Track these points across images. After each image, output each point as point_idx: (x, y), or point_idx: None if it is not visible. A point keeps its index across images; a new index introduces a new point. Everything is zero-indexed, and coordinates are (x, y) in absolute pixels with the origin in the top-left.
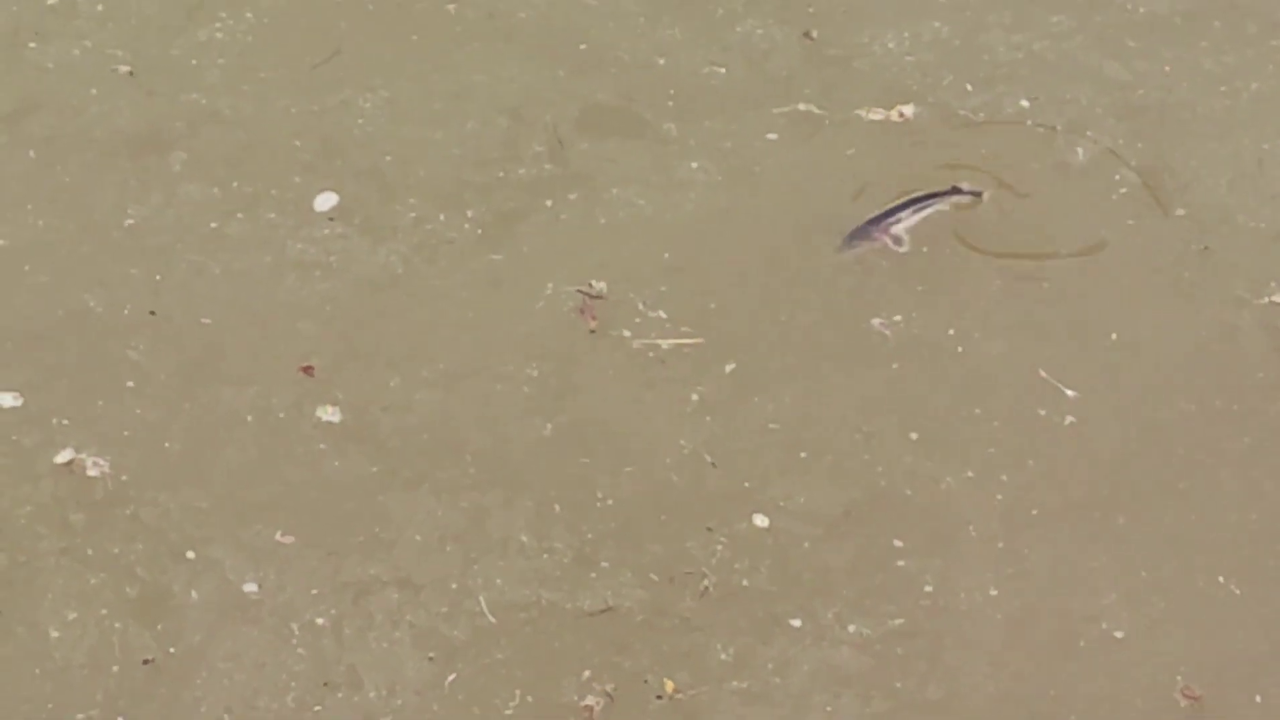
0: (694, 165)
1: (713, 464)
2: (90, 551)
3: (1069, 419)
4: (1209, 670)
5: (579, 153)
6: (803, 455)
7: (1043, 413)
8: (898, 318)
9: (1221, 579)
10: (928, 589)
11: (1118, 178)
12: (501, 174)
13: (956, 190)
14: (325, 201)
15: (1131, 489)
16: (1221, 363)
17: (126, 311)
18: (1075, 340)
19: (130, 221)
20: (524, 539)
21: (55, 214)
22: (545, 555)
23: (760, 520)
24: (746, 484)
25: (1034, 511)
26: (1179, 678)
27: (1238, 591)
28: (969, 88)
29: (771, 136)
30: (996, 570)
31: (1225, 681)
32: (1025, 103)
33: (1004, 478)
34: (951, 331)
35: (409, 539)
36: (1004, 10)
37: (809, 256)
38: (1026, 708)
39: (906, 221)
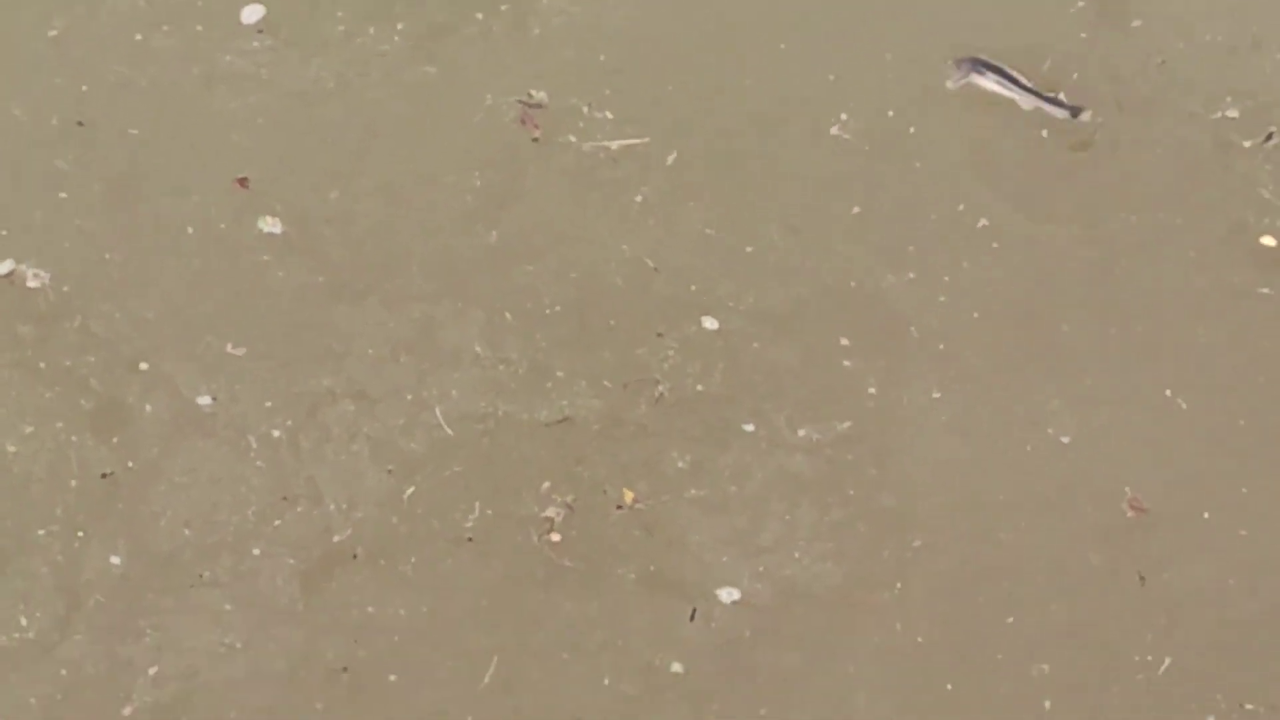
0: None
1: (655, 269)
2: (42, 365)
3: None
4: (1156, 483)
5: None
6: (749, 251)
7: (985, 222)
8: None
9: (1169, 393)
10: (871, 390)
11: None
12: None
13: (1060, 103)
14: (252, 14)
15: (1075, 299)
16: (1173, 175)
17: (54, 122)
18: (1023, 150)
19: (53, 32)
20: (477, 349)
21: None
22: (500, 366)
23: (709, 323)
24: (693, 287)
25: (975, 314)
26: (1126, 489)
27: (1184, 406)
28: None
29: None
30: (940, 372)
31: (1172, 496)
32: None
33: (945, 279)
34: (912, 129)
35: (361, 350)
36: None
37: (756, 49)
38: (977, 514)
39: (994, 87)
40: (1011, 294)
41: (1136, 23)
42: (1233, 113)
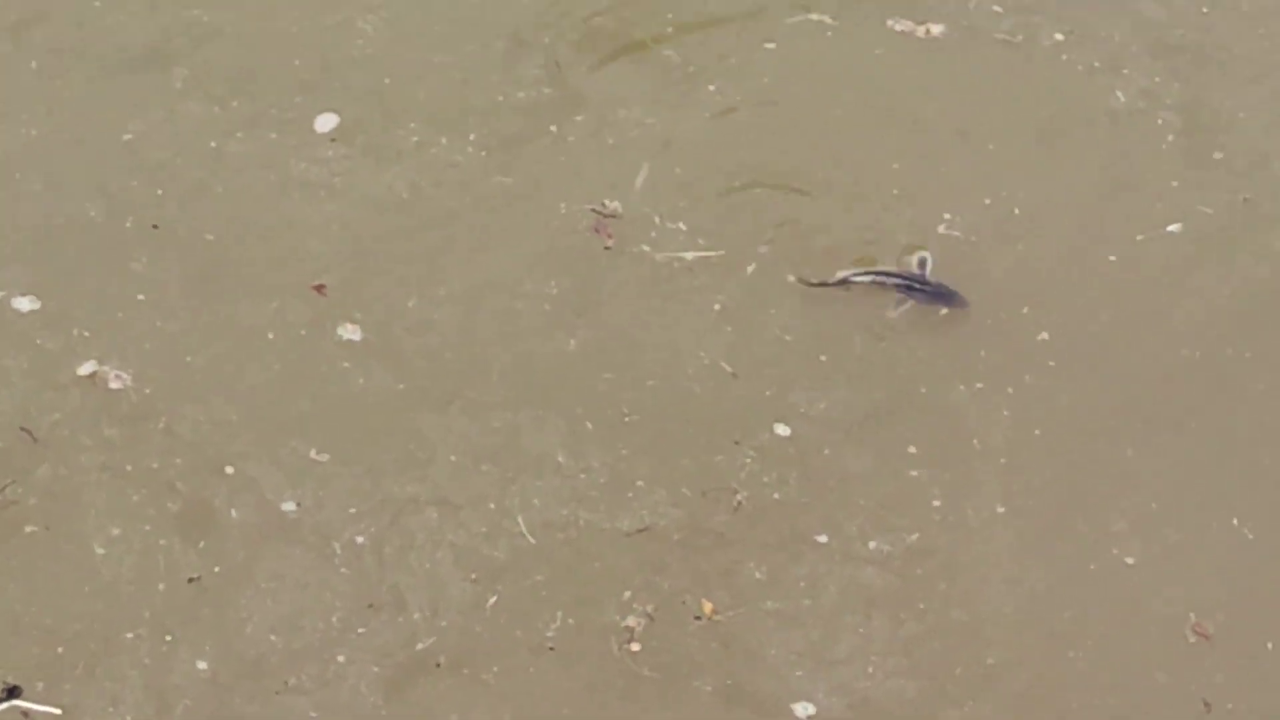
0: (711, 88)
1: (733, 374)
2: (129, 467)
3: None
4: (1220, 610)
5: (577, 75)
6: (823, 359)
7: (1045, 336)
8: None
9: (1235, 521)
10: (936, 503)
11: (1160, 121)
12: (501, 97)
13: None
14: (326, 122)
15: (1141, 421)
16: (1244, 309)
17: (129, 224)
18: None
19: (129, 136)
20: (559, 458)
21: (52, 125)
22: (582, 475)
23: (782, 429)
24: (768, 393)
25: (1037, 431)
26: (1191, 614)
27: (1251, 536)
28: (998, 9)
29: (770, 46)
30: (1004, 486)
31: (1236, 623)
32: (1060, 35)
33: (1009, 390)
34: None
35: (444, 458)
36: None
37: (835, 160)
38: (1046, 630)
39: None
40: (1075, 412)
41: (1218, 155)
42: None
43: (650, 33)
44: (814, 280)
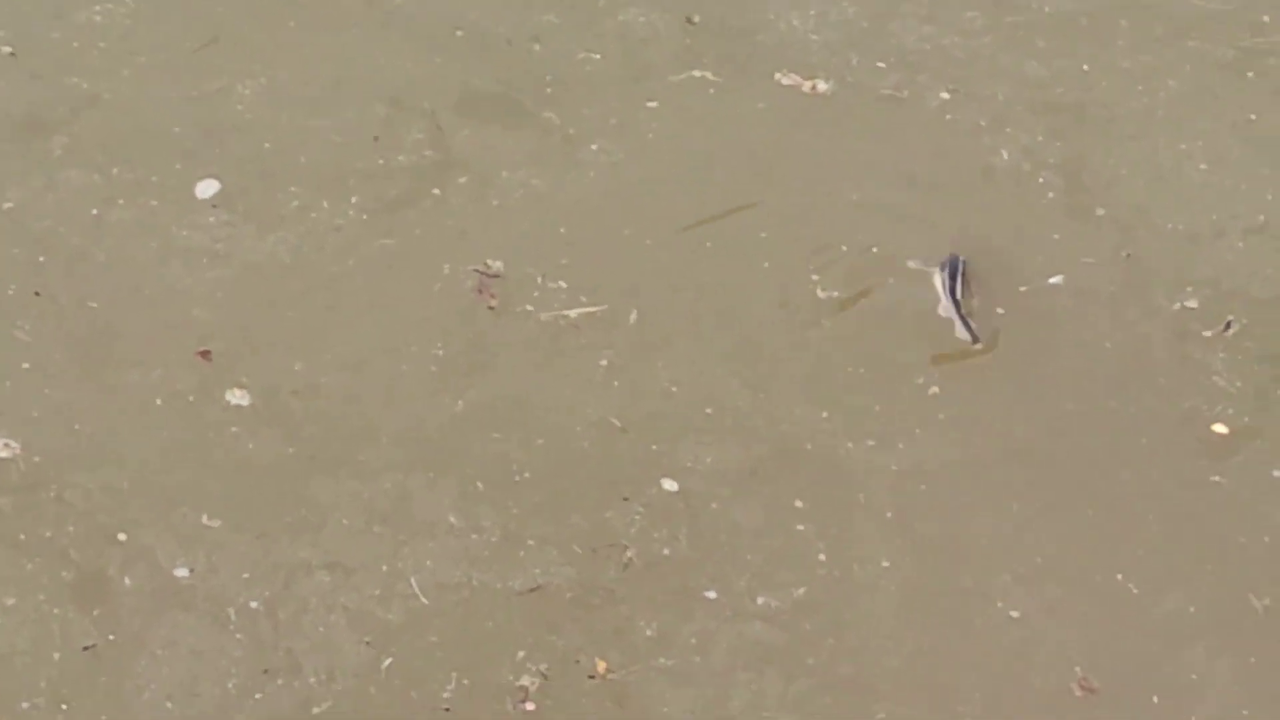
0: (594, 147)
1: (622, 428)
2: (22, 536)
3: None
4: (1105, 663)
5: (460, 139)
6: (708, 411)
7: (935, 390)
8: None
9: (1120, 576)
10: (822, 557)
11: (1041, 180)
12: (382, 161)
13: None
14: (207, 188)
15: (1024, 479)
16: (1129, 364)
17: (11, 291)
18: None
19: (9, 205)
20: (451, 519)
21: None
22: (473, 535)
23: (669, 484)
24: (654, 447)
25: (922, 486)
26: (1077, 668)
27: (1135, 590)
28: (881, 66)
29: (652, 105)
30: (887, 541)
31: (1121, 677)
32: (945, 95)
33: (900, 446)
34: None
35: (336, 521)
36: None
37: (707, 222)
38: (930, 684)
39: (935, 280)
40: (959, 467)
41: (1100, 211)
42: (1192, 303)
43: (530, 95)
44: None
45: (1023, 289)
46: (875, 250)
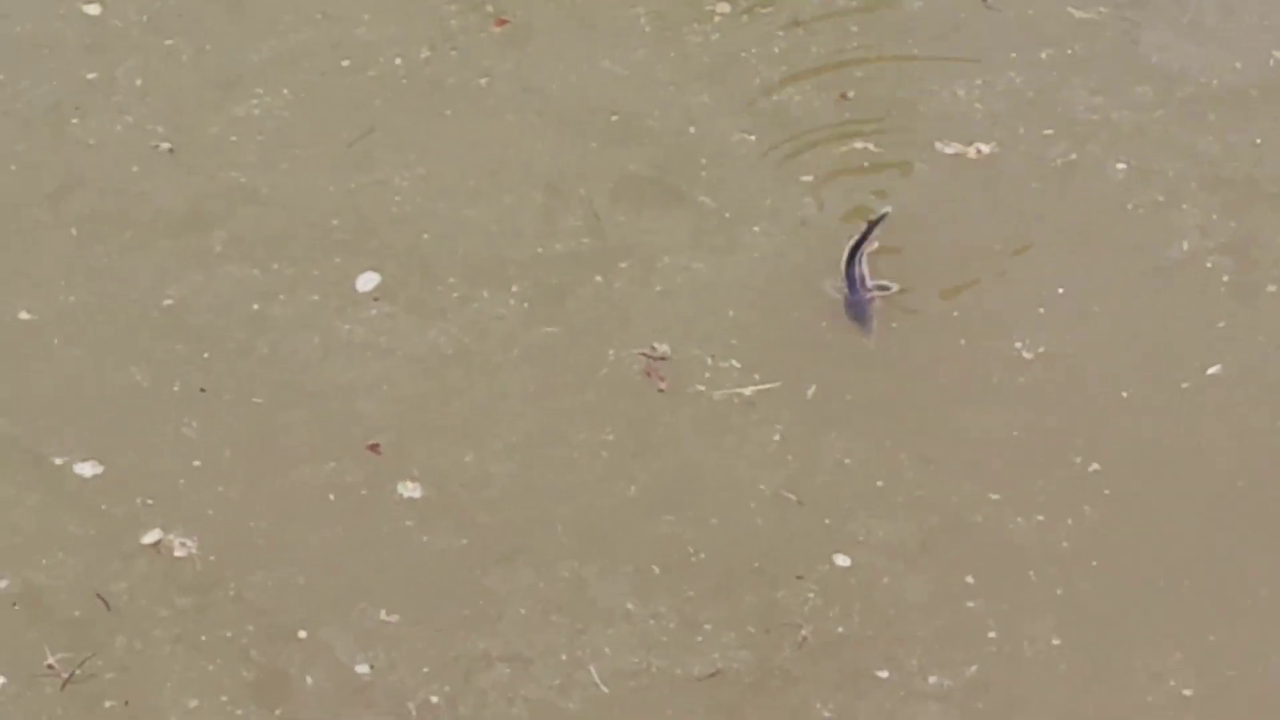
0: (755, 229)
1: (798, 501)
2: (203, 637)
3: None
4: None
5: (617, 225)
6: (879, 485)
7: (1097, 467)
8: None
9: None
10: (992, 634)
11: (1209, 265)
12: (540, 249)
13: (870, 225)
14: (367, 281)
15: (1197, 554)
16: None
17: (176, 388)
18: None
19: (169, 301)
20: (628, 605)
21: (90, 291)
22: (650, 620)
23: (842, 560)
24: (827, 521)
25: (1094, 563)
26: None
27: None
28: (1049, 132)
29: (807, 179)
30: (1060, 618)
31: None
32: (1121, 166)
33: (1069, 522)
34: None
35: (513, 612)
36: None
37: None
38: None
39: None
40: (1131, 544)
41: (1272, 288)
42: None
43: (685, 178)
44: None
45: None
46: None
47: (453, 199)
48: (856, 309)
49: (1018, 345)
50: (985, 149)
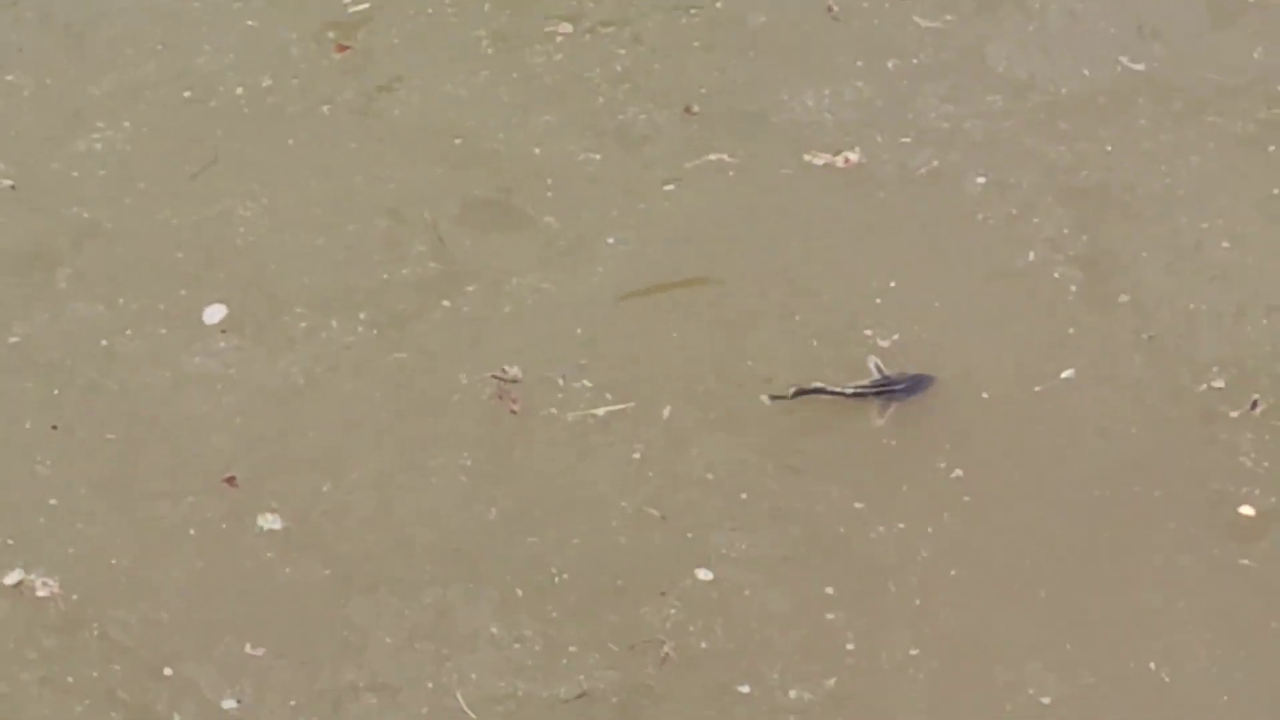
0: (610, 240)
1: (662, 517)
2: (70, 678)
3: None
4: None
5: (464, 248)
6: (742, 497)
7: (959, 473)
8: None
9: (1152, 664)
10: (850, 646)
11: (1057, 275)
12: (386, 276)
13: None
14: (214, 314)
15: (1055, 562)
16: (1154, 449)
17: (28, 426)
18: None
19: (15, 339)
20: (493, 629)
21: None
22: (515, 644)
23: (704, 574)
24: (689, 535)
25: (952, 572)
26: None
27: (1167, 679)
28: (906, 140)
29: (669, 188)
30: (918, 628)
31: None
32: (981, 179)
33: (930, 530)
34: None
35: (378, 641)
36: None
37: (736, 307)
38: None
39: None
40: (989, 553)
41: (1124, 298)
42: (1219, 383)
43: (531, 199)
44: (790, 392)
45: (1047, 367)
46: (897, 338)
47: (297, 228)
48: (917, 386)
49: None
50: (854, 157)
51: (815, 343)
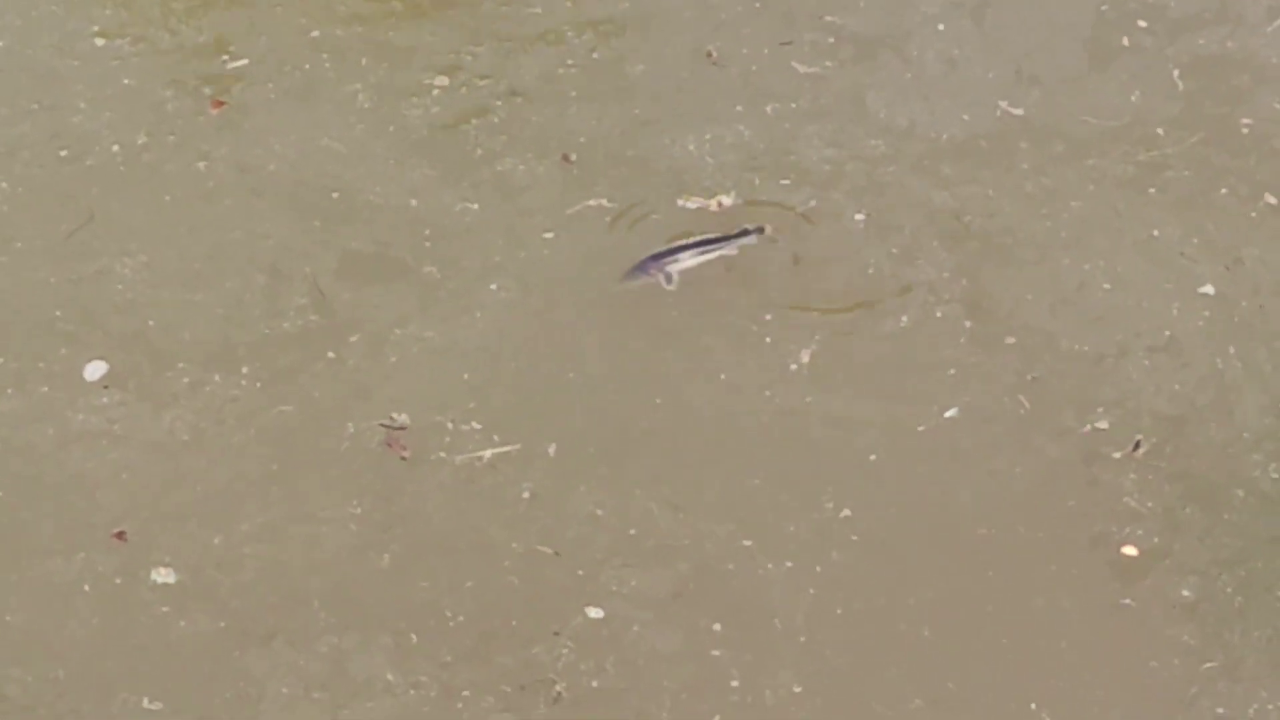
0: (493, 286)
1: (556, 554)
2: None
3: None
4: None
5: (344, 301)
6: (632, 533)
7: (847, 513)
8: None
9: (1033, 705)
10: (734, 684)
11: (940, 314)
12: (268, 330)
13: (743, 232)
14: (95, 371)
15: (939, 601)
16: (1038, 490)
17: None
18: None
19: None
20: (389, 676)
21: None
22: (411, 691)
23: (595, 612)
24: (580, 572)
25: (839, 610)
26: None
27: (1048, 718)
28: (785, 183)
29: (548, 235)
30: (801, 666)
31: None
32: (860, 216)
33: (818, 569)
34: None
35: (275, 691)
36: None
37: (616, 343)
38: None
39: (685, 263)
40: (874, 591)
41: (1010, 340)
42: (1102, 424)
43: (410, 250)
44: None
45: (934, 407)
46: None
47: (176, 284)
48: (639, 269)
49: (767, 394)
50: (727, 201)
51: None
